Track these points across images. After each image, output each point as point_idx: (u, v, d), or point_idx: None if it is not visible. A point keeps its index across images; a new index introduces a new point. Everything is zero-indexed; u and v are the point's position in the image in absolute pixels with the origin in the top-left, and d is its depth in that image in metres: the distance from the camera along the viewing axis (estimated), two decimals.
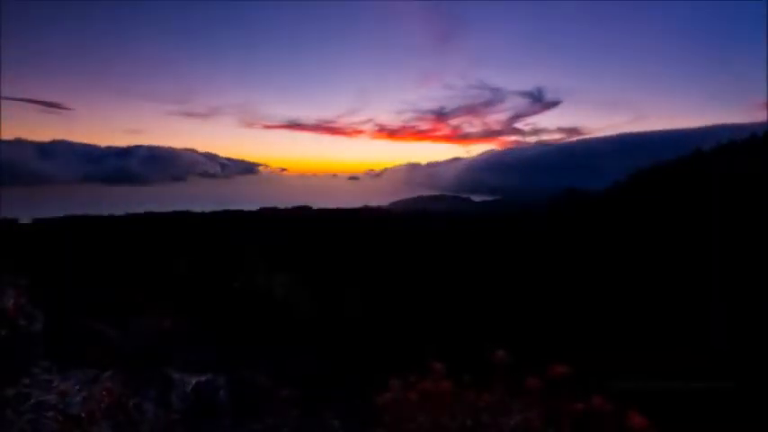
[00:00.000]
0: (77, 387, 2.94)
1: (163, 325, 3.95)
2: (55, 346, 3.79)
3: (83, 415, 1.87)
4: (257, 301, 23.44)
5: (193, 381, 3.37)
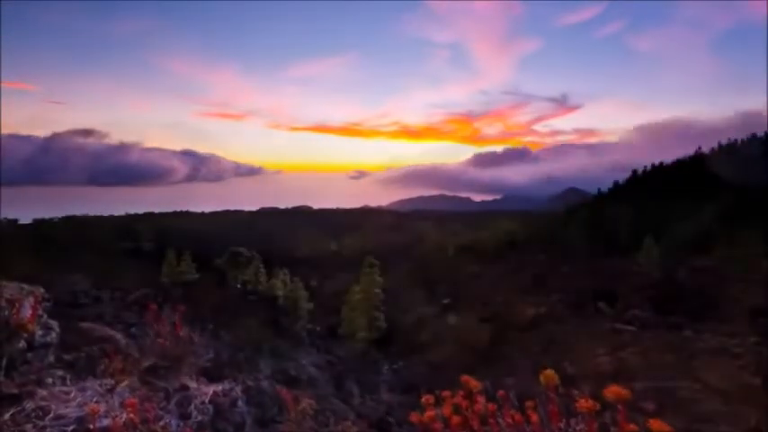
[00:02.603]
0: (95, 399, 2.88)
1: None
2: (69, 356, 3.73)
3: None
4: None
5: (210, 390, 3.32)
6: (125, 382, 3.21)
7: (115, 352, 3.93)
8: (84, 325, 5.48)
